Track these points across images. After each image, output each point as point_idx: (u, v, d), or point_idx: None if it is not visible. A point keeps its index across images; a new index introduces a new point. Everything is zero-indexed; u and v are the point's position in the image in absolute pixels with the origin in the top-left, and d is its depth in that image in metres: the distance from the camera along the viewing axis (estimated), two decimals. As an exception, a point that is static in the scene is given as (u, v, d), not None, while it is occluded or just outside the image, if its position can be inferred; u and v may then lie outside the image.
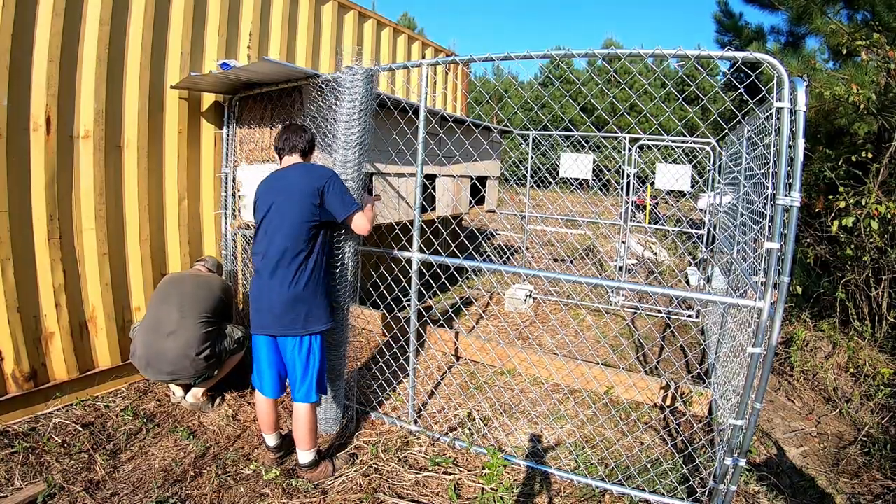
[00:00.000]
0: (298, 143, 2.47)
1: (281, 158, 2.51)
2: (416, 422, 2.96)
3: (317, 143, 2.69)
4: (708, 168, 5.74)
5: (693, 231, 6.16)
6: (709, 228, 5.75)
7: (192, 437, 2.79)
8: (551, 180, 6.85)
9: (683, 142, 5.85)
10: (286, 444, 2.64)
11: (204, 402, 3.07)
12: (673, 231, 7.23)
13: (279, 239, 2.27)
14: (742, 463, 2.06)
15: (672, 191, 6.59)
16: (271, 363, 2.44)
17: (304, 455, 2.48)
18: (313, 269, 2.33)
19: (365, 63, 2.66)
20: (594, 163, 6.36)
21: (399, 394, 3.35)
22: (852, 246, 4.04)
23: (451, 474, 2.54)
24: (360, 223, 2.39)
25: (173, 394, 3.14)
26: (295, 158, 2.47)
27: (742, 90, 2.18)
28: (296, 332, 2.31)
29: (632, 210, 7.20)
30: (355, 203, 2.38)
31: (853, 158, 4.13)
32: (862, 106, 4.17)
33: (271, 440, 2.60)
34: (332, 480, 2.48)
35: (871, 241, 3.87)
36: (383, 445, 2.76)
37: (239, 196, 3.72)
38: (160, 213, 3.46)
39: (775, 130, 1.95)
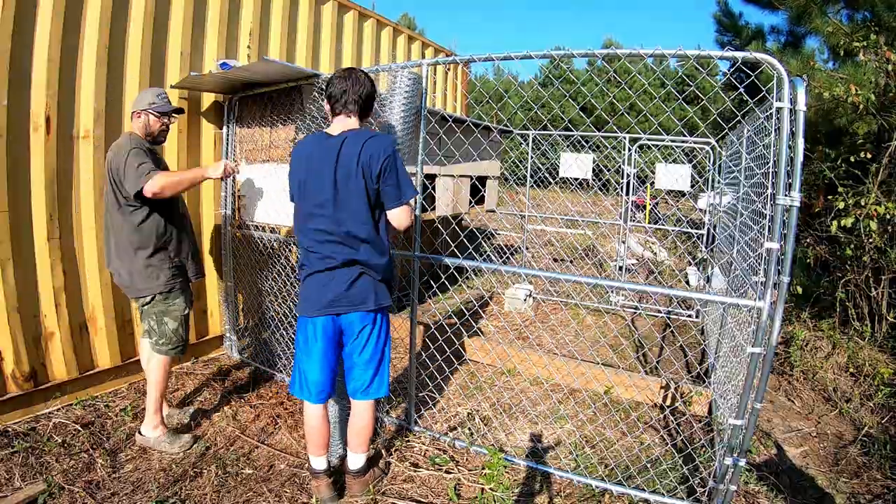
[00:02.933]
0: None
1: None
2: (416, 421, 2.96)
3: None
4: (708, 168, 5.74)
5: (693, 231, 6.16)
6: (709, 228, 5.75)
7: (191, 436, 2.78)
8: (551, 180, 6.85)
9: (683, 142, 5.85)
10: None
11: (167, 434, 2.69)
12: (673, 231, 7.24)
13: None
14: (742, 463, 2.06)
15: (672, 191, 6.59)
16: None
17: (360, 459, 2.31)
18: None
19: (364, 63, 2.66)
20: (594, 163, 6.36)
21: (399, 393, 3.35)
22: (852, 246, 4.04)
23: (451, 474, 2.54)
24: None
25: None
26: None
27: (742, 90, 2.18)
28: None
29: (632, 210, 7.20)
30: None
31: (852, 158, 4.14)
32: (861, 106, 4.17)
33: (324, 462, 2.29)
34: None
35: (871, 241, 3.87)
36: (383, 445, 2.76)
37: (239, 196, 3.72)
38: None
39: (775, 130, 1.96)
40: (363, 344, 2.17)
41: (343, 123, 2.08)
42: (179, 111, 2.77)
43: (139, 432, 2.67)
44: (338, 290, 2.07)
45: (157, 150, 2.77)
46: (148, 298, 2.59)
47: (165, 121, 2.68)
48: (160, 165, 2.63)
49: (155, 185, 2.38)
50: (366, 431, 2.27)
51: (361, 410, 2.25)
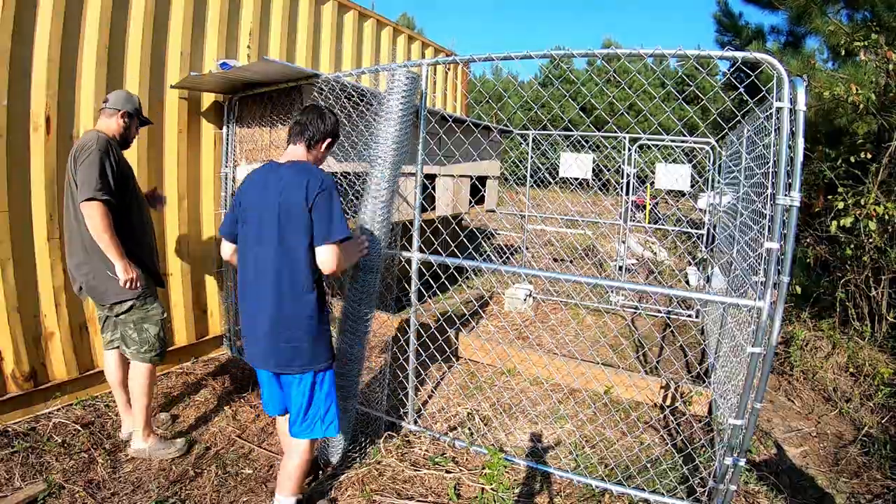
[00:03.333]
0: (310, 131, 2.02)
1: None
2: (416, 421, 2.96)
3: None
4: (708, 168, 5.74)
5: (693, 231, 6.16)
6: (708, 228, 5.75)
7: (191, 437, 2.78)
8: (551, 180, 6.85)
9: (683, 141, 5.85)
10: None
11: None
12: (673, 231, 7.24)
13: None
14: (742, 462, 2.06)
15: (672, 191, 6.59)
16: None
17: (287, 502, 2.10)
18: None
19: (364, 63, 2.65)
20: (594, 162, 6.36)
21: (399, 393, 3.35)
22: (852, 246, 4.04)
23: (451, 474, 2.54)
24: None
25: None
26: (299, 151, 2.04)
27: (742, 90, 2.18)
28: None
29: (631, 210, 7.21)
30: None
31: (852, 158, 4.14)
32: (861, 106, 4.18)
33: None
34: None
35: (871, 241, 3.87)
36: (384, 445, 2.76)
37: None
38: (160, 213, 3.46)
39: (775, 130, 1.96)
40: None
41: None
42: (150, 123, 2.80)
43: (130, 445, 2.59)
44: None
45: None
46: (127, 305, 2.45)
47: (138, 128, 2.64)
48: (123, 171, 2.45)
49: (91, 214, 2.24)
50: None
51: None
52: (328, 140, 2.09)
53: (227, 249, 2.12)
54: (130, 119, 2.53)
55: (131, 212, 2.49)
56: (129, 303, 2.46)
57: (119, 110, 2.49)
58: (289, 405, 2.07)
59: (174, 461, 2.55)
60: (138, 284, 2.43)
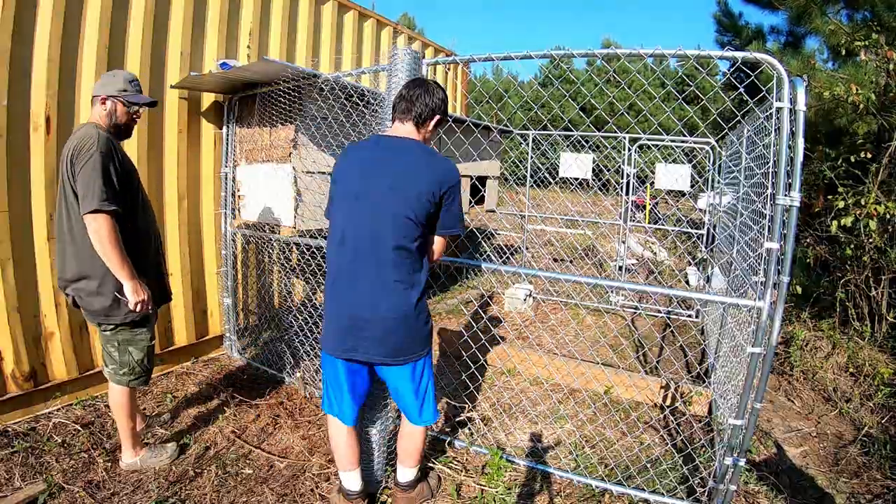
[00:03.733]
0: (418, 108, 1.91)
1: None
2: (415, 422, 2.96)
3: (321, 142, 2.45)
4: (707, 168, 5.74)
5: (693, 231, 6.16)
6: (708, 228, 5.75)
7: (191, 437, 2.79)
8: (551, 180, 6.85)
9: (683, 141, 5.85)
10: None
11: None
12: (673, 231, 7.24)
13: None
14: (742, 462, 2.06)
15: (672, 191, 6.59)
16: None
17: (411, 472, 2.23)
18: None
19: (364, 63, 2.64)
20: (594, 162, 6.36)
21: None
22: (852, 246, 4.04)
23: (451, 473, 2.54)
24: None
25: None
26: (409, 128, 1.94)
27: (742, 90, 2.18)
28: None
29: (631, 210, 7.20)
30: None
31: (852, 158, 4.13)
32: (861, 106, 4.17)
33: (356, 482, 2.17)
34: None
35: (871, 241, 3.87)
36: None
37: (239, 195, 3.72)
38: (160, 213, 3.46)
39: (775, 130, 1.96)
40: None
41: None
42: (153, 104, 2.38)
43: (121, 462, 2.47)
44: None
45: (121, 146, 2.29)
46: (113, 325, 2.25)
47: (135, 112, 2.28)
48: (126, 169, 2.22)
49: (97, 228, 2.02)
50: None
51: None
52: (436, 118, 1.95)
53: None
54: (115, 103, 2.20)
55: (136, 215, 2.27)
56: (113, 325, 2.25)
57: (97, 96, 2.20)
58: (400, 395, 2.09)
59: (174, 461, 2.55)
60: (149, 308, 2.25)
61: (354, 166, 1.92)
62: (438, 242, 1.99)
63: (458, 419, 3.07)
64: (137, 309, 2.20)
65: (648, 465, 2.61)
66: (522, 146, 6.59)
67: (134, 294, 2.16)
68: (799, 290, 4.32)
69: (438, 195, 1.83)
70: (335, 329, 1.94)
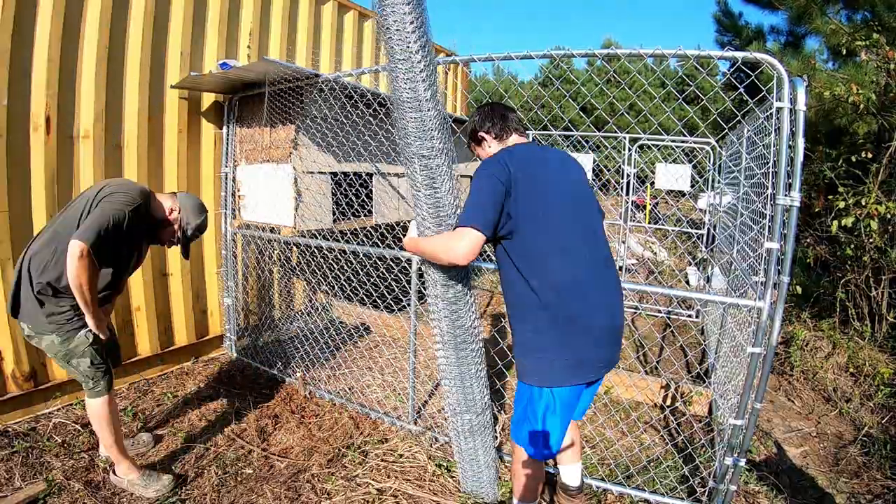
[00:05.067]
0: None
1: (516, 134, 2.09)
2: (416, 422, 2.96)
3: (322, 142, 2.45)
4: (708, 168, 5.74)
5: (693, 231, 6.16)
6: (709, 228, 5.75)
7: (191, 436, 2.79)
8: (551, 180, 6.82)
9: (683, 141, 5.85)
10: None
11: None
12: (673, 231, 7.23)
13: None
14: (742, 463, 2.06)
15: (672, 191, 6.59)
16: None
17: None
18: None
19: (364, 63, 2.64)
20: (594, 163, 6.36)
21: (399, 393, 3.35)
22: (852, 246, 4.04)
23: (451, 473, 2.54)
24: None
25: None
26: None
27: (742, 90, 2.18)
28: None
29: (632, 210, 7.20)
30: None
31: (853, 158, 4.14)
32: (861, 106, 4.17)
33: None
34: None
35: (871, 241, 3.87)
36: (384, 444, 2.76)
37: (239, 196, 3.72)
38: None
39: (775, 130, 1.95)
40: None
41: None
42: (187, 255, 2.56)
43: (113, 472, 2.35)
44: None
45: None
46: (46, 342, 2.12)
47: (173, 243, 2.42)
48: (133, 236, 2.19)
49: (76, 266, 1.94)
50: None
51: None
52: None
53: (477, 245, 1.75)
54: (179, 227, 2.35)
55: (121, 273, 2.29)
56: (46, 338, 2.12)
57: (174, 209, 2.33)
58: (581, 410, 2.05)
59: (174, 462, 2.55)
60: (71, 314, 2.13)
61: (541, 173, 1.80)
62: None
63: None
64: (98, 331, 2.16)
65: (648, 465, 2.61)
66: (522, 146, 6.56)
67: (94, 325, 2.13)
68: (799, 290, 4.32)
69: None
70: (589, 346, 1.72)
